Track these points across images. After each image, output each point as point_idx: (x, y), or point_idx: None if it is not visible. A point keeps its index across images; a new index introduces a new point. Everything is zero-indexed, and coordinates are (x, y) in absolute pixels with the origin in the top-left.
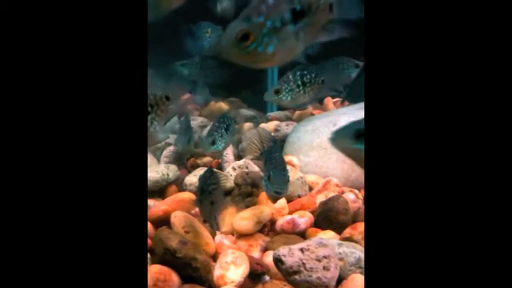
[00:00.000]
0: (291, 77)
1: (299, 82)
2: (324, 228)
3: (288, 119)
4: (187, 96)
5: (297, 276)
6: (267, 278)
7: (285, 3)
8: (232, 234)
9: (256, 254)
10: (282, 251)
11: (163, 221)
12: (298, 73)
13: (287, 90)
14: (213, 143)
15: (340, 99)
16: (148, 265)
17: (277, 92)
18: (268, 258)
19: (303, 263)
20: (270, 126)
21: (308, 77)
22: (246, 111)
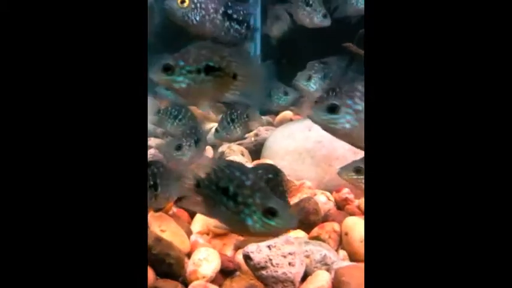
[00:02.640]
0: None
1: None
2: (294, 228)
3: (269, 124)
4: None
5: (264, 272)
6: (237, 274)
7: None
8: (208, 234)
9: (229, 252)
10: (251, 247)
11: None
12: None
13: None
14: (179, 148)
15: None
16: None
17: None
18: (241, 256)
19: (270, 259)
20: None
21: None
22: None
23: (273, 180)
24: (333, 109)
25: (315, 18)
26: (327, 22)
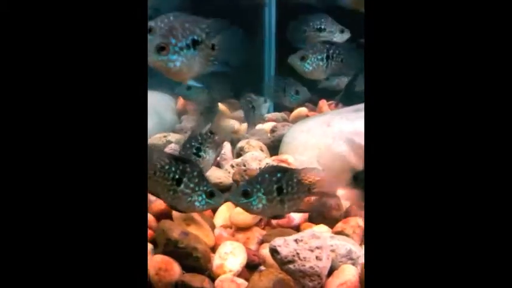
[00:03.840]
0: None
1: (324, 55)
2: (317, 223)
3: (284, 120)
4: None
5: (291, 266)
6: (262, 268)
7: (189, 34)
8: (231, 228)
9: (253, 246)
10: (278, 241)
11: (165, 215)
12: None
13: (312, 59)
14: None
15: (334, 102)
16: (151, 255)
17: (302, 58)
18: (265, 250)
19: (297, 253)
20: (266, 127)
21: (332, 52)
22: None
23: (284, 177)
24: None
25: (334, 39)
26: (346, 35)
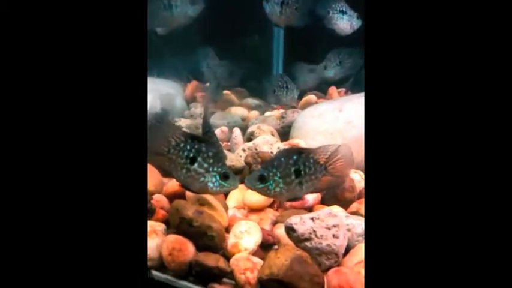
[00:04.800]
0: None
1: (338, 61)
2: (330, 205)
3: (293, 107)
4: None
5: (307, 243)
6: (278, 247)
7: None
8: (244, 209)
9: (266, 226)
10: (294, 219)
11: (179, 196)
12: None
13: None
14: None
15: (344, 89)
16: (164, 236)
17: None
18: (279, 231)
19: (314, 231)
20: (275, 114)
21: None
22: (252, 100)
23: (300, 159)
24: None
25: (353, 22)
26: (361, 22)
